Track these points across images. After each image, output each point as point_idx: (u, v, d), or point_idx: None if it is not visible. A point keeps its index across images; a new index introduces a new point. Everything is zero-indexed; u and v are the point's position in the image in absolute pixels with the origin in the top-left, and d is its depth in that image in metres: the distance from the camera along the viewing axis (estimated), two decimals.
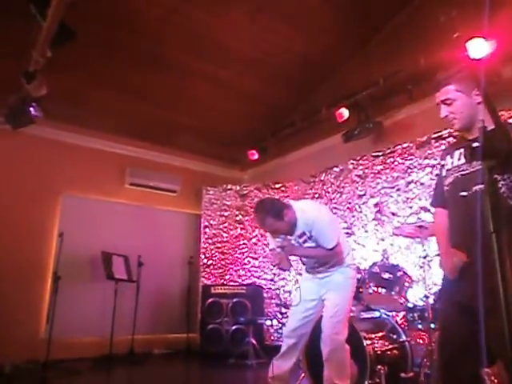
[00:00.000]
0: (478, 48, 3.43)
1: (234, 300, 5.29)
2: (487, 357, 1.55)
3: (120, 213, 5.76)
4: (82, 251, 5.23)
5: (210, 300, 5.39)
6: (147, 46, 4.58)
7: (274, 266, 2.85)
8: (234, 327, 5.16)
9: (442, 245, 1.92)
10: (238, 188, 6.42)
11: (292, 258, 2.79)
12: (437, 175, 2.07)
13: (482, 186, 1.51)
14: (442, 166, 1.93)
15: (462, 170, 1.74)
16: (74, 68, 4.57)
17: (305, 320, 2.78)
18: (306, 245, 2.67)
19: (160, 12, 4.25)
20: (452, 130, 4.25)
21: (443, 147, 4.16)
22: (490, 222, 0.82)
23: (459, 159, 1.78)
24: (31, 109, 4.32)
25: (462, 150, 1.77)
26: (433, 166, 4.28)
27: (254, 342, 4.81)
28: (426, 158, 4.43)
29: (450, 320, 1.79)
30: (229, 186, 6.42)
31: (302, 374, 3.31)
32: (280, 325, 5.59)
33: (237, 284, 5.83)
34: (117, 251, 5.17)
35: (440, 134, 4.29)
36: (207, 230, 6.24)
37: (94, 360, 4.75)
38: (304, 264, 2.91)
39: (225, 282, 5.94)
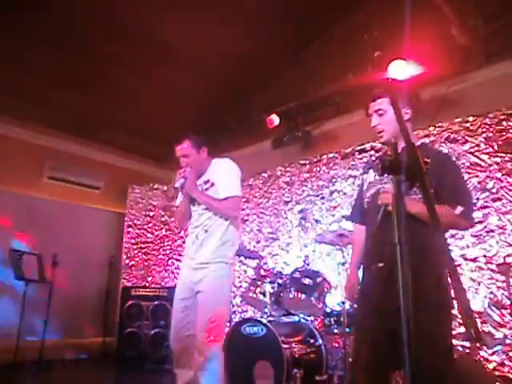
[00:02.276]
0: (399, 69, 3.66)
1: (156, 302, 5.14)
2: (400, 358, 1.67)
3: (35, 207, 5.37)
4: None
5: (129, 302, 5.19)
6: (76, 33, 4.32)
7: (176, 187, 2.61)
8: (153, 331, 5.01)
9: (352, 264, 2.13)
10: (166, 188, 6.28)
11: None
12: (358, 186, 2.18)
13: None
14: (364, 179, 2.05)
15: (386, 183, 1.85)
16: None
17: (186, 320, 2.53)
18: (207, 192, 2.62)
19: (94, 4, 4.05)
20: (374, 144, 4.51)
21: (365, 159, 4.40)
22: (395, 233, 0.87)
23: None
24: None
25: None
26: (355, 177, 4.50)
27: None
28: (349, 168, 4.64)
29: (364, 322, 1.91)
30: (156, 186, 6.25)
31: None
32: None
33: (159, 286, 5.68)
34: (29, 249, 4.81)
35: (363, 146, 4.52)
36: (131, 229, 6.02)
37: None
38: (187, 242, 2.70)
39: (147, 284, 5.77)
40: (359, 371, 1.89)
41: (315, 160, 5.00)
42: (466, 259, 3.60)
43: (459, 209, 1.68)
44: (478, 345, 3.32)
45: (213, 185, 2.60)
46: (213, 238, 2.54)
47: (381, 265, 1.80)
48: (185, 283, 2.59)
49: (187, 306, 2.54)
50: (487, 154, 3.70)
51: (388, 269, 1.75)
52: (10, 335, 4.45)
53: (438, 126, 4.02)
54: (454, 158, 1.99)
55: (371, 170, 2.03)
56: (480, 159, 3.73)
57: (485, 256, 3.53)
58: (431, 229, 1.59)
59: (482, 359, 3.34)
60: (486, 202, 3.62)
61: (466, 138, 3.85)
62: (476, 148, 3.78)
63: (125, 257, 5.89)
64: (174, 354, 2.57)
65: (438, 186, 1.74)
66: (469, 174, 3.75)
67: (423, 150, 1.84)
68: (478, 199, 3.65)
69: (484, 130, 3.76)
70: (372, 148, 4.44)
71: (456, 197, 1.73)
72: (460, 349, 3.43)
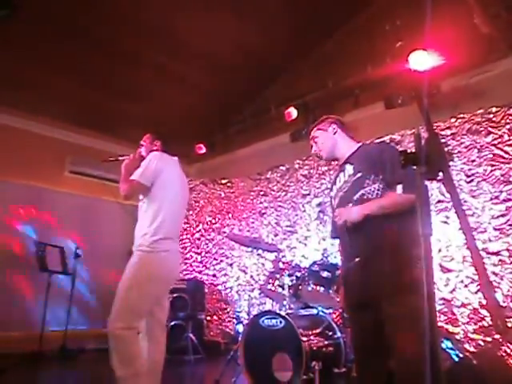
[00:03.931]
0: (419, 60, 3.60)
1: (174, 295, 5.20)
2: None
3: (57, 201, 5.48)
4: (12, 241, 4.93)
5: None
6: (98, 29, 4.37)
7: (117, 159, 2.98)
8: (172, 322, 5.07)
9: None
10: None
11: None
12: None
13: (360, 192, 1.90)
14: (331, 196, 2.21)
15: (344, 189, 2.04)
16: (14, 45, 4.28)
17: None
18: None
19: (110, 3, 4.09)
20: (394, 136, 4.46)
21: None
22: (426, 224, 0.86)
23: (340, 182, 2.10)
24: None
25: (340, 176, 2.11)
26: None
27: (192, 337, 4.77)
28: None
29: (354, 318, 2.02)
30: None
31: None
32: (220, 320, 5.59)
33: (178, 279, 5.74)
34: (52, 242, 4.92)
35: (382, 139, 4.46)
36: None
37: (21, 356, 4.47)
38: None
39: None
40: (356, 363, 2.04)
41: None
42: (488, 253, 3.54)
43: (399, 187, 1.73)
44: (501, 339, 3.26)
45: None
46: (137, 229, 2.71)
47: (357, 260, 1.90)
48: None
49: None
50: (511, 145, 3.62)
51: (363, 263, 1.87)
52: (34, 325, 4.59)
53: (460, 118, 3.94)
54: (391, 145, 2.21)
55: (333, 186, 2.17)
56: (503, 151, 3.65)
57: (507, 250, 3.47)
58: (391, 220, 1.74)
59: (504, 354, 3.29)
60: (510, 194, 3.54)
61: (489, 129, 3.77)
62: (499, 140, 3.69)
63: None
64: None
65: (382, 173, 1.86)
66: (492, 166, 3.67)
67: (363, 150, 2.08)
68: (501, 192, 3.58)
69: (508, 121, 3.67)
70: (391, 140, 4.39)
71: (393, 177, 1.78)
72: (481, 343, 3.39)
